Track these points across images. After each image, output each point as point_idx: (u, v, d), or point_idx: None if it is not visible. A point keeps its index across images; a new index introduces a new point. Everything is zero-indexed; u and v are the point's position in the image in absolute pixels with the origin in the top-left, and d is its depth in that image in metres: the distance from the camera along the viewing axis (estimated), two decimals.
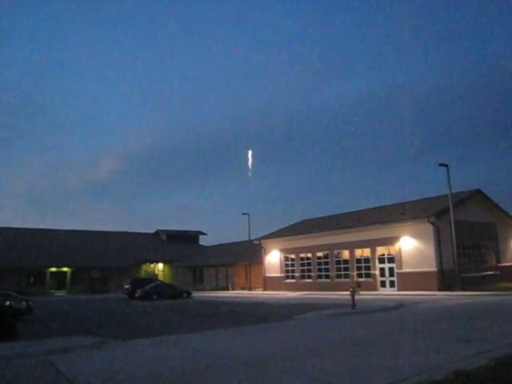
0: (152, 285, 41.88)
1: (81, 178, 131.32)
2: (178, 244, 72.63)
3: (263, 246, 50.02)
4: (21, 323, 16.36)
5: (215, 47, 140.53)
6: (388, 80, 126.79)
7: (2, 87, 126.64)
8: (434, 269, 33.59)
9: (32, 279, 56.24)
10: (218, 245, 68.83)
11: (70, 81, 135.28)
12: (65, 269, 59.00)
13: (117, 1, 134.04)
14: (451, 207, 32.49)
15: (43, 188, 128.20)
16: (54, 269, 58.44)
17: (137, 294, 39.69)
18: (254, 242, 50.89)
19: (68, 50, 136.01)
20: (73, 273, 59.27)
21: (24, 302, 22.73)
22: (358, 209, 48.17)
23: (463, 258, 35.64)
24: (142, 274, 61.07)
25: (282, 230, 52.30)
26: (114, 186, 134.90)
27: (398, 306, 21.99)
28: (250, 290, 49.20)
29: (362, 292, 32.01)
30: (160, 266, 66.27)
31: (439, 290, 32.22)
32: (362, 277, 38.81)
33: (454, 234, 32.36)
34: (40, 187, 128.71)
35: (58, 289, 57.05)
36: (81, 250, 62.59)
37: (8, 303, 15.61)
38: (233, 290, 52.13)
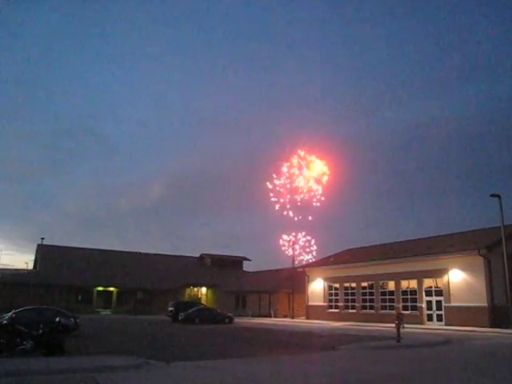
0: (195, 308, 42.15)
1: (131, 200, 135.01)
2: (222, 269, 72.96)
3: (307, 273, 49.55)
4: (68, 339, 16.85)
5: (267, 76, 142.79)
6: (433, 109, 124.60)
7: (61, 113, 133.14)
8: (485, 304, 32.23)
9: (80, 297, 57.77)
10: (262, 271, 68.63)
11: (124, 107, 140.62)
12: (111, 288, 60.35)
13: (175, 31, 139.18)
14: (504, 239, 31.24)
15: (95, 209, 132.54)
16: (100, 288, 59.88)
17: (180, 317, 40.01)
18: (298, 269, 50.50)
19: (121, 78, 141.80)
20: (118, 293, 60.51)
21: (72, 319, 23.47)
22: (405, 239, 47.09)
23: None
24: (186, 298, 61.55)
25: (326, 258, 51.72)
26: (162, 209, 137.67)
27: (445, 341, 21.23)
28: (293, 317, 48.61)
29: (406, 325, 30.90)
30: (203, 289, 66.65)
31: (490, 326, 30.83)
32: (407, 309, 37.64)
33: (506, 267, 31.05)
34: (92, 209, 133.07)
35: (104, 308, 58.29)
36: (127, 271, 63.93)
37: (58, 319, 16.14)
38: (275, 317, 51.65)
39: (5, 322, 17.64)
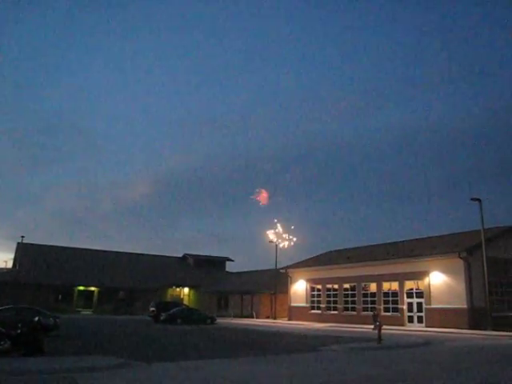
0: (177, 309, 41.94)
1: (114, 200, 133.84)
2: (205, 269, 72.71)
3: (289, 275, 49.64)
4: (48, 339, 16.62)
5: (255, 76, 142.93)
6: (416, 115, 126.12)
7: (44, 109, 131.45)
8: (465, 306, 32.66)
9: (60, 297, 57.01)
10: (245, 272, 68.61)
11: (109, 105, 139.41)
12: (92, 288, 59.67)
13: (155, 29, 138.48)
14: (483, 243, 31.70)
15: (77, 208, 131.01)
16: (81, 287, 59.18)
17: (162, 318, 39.77)
18: (281, 270, 50.57)
19: (105, 75, 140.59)
20: (100, 292, 59.85)
21: (52, 319, 23.16)
22: (387, 241, 47.47)
23: (496, 296, 34.52)
24: (168, 298, 61.21)
25: (309, 259, 51.87)
26: (146, 209, 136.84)
27: (426, 343, 21.45)
28: (275, 318, 48.68)
29: (386, 326, 31.20)
30: (186, 290, 66.34)
31: (469, 328, 31.24)
32: (389, 311, 38.00)
33: (486, 270, 31.50)
34: (74, 207, 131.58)
35: (85, 308, 57.59)
36: (109, 270, 63.31)
37: (37, 319, 15.89)
38: (257, 318, 51.65)
39: None
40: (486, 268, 31.46)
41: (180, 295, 65.22)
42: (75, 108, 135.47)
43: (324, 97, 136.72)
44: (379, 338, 19.95)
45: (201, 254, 78.28)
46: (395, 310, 37.70)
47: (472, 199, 32.40)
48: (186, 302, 60.42)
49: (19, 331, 14.92)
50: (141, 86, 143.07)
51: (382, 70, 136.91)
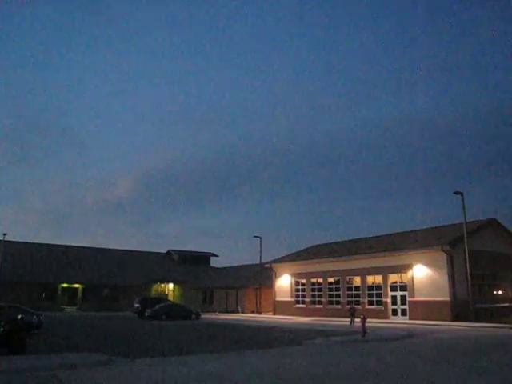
0: (162, 305, 41.79)
1: (98, 196, 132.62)
2: (189, 265, 72.56)
3: (274, 269, 49.78)
4: (31, 337, 16.43)
5: (229, 73, 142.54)
6: (398, 109, 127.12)
7: (30, 107, 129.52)
8: (447, 298, 33.10)
9: (44, 294, 56.44)
10: (229, 267, 68.64)
11: (93, 102, 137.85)
12: (76, 285, 59.16)
13: (139, 27, 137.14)
14: (465, 236, 32.13)
15: (60, 205, 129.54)
16: (65, 285, 58.63)
17: (146, 314, 39.60)
18: (265, 265, 50.67)
19: (89, 72, 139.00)
20: (84, 289, 59.36)
21: (35, 317, 22.92)
22: (371, 235, 47.85)
23: (478, 288, 35.05)
24: (153, 294, 60.97)
25: (293, 254, 52.04)
26: (129, 205, 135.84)
27: (409, 335, 21.67)
28: (260, 313, 48.81)
29: (370, 319, 31.32)
30: (170, 286, 66.15)
31: (452, 320, 31.68)
32: (373, 304, 38.36)
33: (468, 263, 31.94)
34: (57, 204, 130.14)
35: (69, 305, 57.01)
36: (93, 267, 62.81)
37: (20, 317, 15.71)
38: (242, 313, 51.74)
39: None
40: (467, 261, 31.89)
41: (165, 291, 65.02)
42: (59, 105, 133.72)
43: (310, 91, 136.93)
44: (363, 332, 20.13)
45: (185, 249, 78.15)
46: (379, 303, 38.05)
47: (455, 193, 32.80)
48: (170, 297, 60.28)
49: (1, 329, 14.73)
50: (125, 84, 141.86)
51: (356, 66, 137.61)
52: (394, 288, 37.44)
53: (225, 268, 70.46)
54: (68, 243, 70.23)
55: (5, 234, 53.63)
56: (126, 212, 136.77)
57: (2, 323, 15.09)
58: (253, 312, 50.97)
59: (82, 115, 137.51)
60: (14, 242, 60.94)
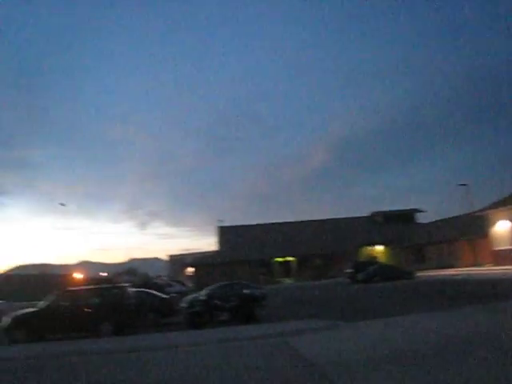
0: (374, 267, 41.96)
1: (293, 172, 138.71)
2: (395, 224, 70.92)
3: (489, 216, 45.62)
4: (257, 309, 18.13)
5: None
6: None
7: (220, 101, 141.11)
8: None
9: (261, 270, 61.59)
10: (437, 221, 65.24)
11: (281, 89, 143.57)
12: (290, 258, 63.19)
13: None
14: None
15: (261, 186, 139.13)
16: (279, 259, 63.10)
17: (359, 278, 40.21)
18: (478, 214, 46.76)
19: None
20: (297, 261, 63.09)
21: (258, 290, 25.23)
22: None
23: None
24: (362, 258, 61.51)
25: (510, 197, 46.78)
26: (325, 174, 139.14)
27: None
28: (480, 266, 45.42)
29: None
30: (378, 248, 65.82)
31: None
32: None
33: None
34: (258, 186, 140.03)
35: (285, 277, 61.32)
36: (302, 239, 66.19)
37: (247, 291, 17.55)
38: (458, 267, 48.86)
39: (202, 297, 19.67)
40: None
41: (373, 254, 65.02)
42: (248, 95, 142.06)
43: None
44: None
45: (388, 209, 76.71)
46: None
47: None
48: (380, 259, 60.05)
49: (233, 303, 16.70)
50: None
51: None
52: None
53: (432, 223, 67.24)
54: (275, 220, 75.09)
55: (221, 221, 59.87)
56: (324, 181, 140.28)
57: (233, 298, 17.06)
58: (468, 266, 47.74)
59: (270, 104, 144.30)
60: (229, 226, 67.78)
